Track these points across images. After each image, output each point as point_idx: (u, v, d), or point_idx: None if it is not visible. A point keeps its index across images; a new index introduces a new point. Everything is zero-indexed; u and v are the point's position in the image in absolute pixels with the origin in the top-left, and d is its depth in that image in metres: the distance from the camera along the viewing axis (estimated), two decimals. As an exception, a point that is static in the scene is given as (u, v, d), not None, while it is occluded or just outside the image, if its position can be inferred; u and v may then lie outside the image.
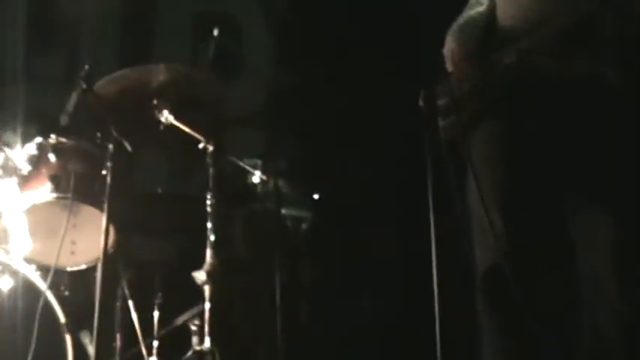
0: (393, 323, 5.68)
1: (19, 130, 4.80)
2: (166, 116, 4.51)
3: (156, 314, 4.94)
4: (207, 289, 4.32)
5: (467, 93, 3.84)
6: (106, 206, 4.14)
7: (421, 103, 2.87)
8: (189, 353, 4.47)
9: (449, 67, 3.84)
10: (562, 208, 3.88)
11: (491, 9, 4.12)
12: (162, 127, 4.52)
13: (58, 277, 4.59)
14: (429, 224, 3.16)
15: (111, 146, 4.18)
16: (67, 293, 4.73)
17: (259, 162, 5.38)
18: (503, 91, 3.82)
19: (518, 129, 3.82)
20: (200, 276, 4.32)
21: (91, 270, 4.77)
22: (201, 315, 4.51)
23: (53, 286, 4.35)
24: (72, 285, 4.80)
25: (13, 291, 4.28)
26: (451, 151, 3.36)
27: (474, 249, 3.84)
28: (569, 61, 3.80)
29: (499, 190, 3.80)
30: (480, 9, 4.16)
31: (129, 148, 4.19)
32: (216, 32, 4.98)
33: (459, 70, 3.88)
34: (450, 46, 3.96)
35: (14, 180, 4.52)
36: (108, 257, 4.24)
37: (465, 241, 3.67)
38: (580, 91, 3.78)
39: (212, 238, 4.39)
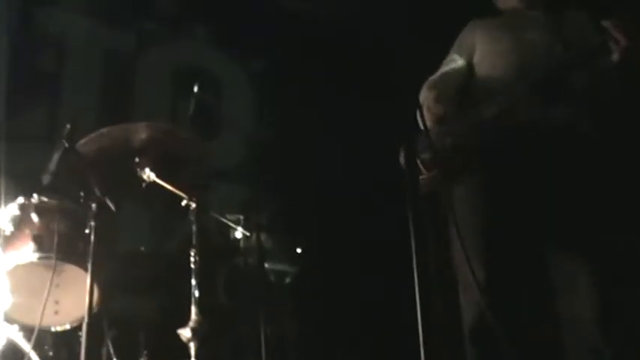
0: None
1: (1, 191, 4.79)
2: (148, 174, 4.52)
3: (141, 372, 4.92)
4: (192, 345, 4.30)
5: (449, 146, 3.90)
6: (89, 265, 4.13)
7: (401, 159, 2.90)
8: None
9: (427, 121, 3.89)
10: (542, 256, 3.94)
11: (467, 66, 4.21)
12: (144, 185, 4.53)
13: (42, 337, 4.56)
14: (413, 276, 3.18)
15: (94, 205, 4.19)
16: (51, 353, 4.71)
17: (241, 217, 5.39)
18: (484, 144, 3.89)
19: (498, 180, 3.88)
20: (186, 333, 4.29)
21: (75, 329, 4.75)
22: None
23: (37, 347, 4.32)
24: (56, 345, 4.78)
25: (-2, 352, 4.25)
26: (432, 203, 3.40)
27: (460, 301, 3.87)
28: (546, 112, 3.87)
29: (481, 241, 3.84)
30: (455, 66, 4.24)
31: (112, 207, 4.19)
32: (196, 88, 5.00)
33: (440, 125, 3.94)
34: (426, 101, 4.03)
35: (-3, 240, 4.52)
36: (92, 316, 4.21)
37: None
38: (557, 141, 3.85)
39: (196, 294, 4.38)
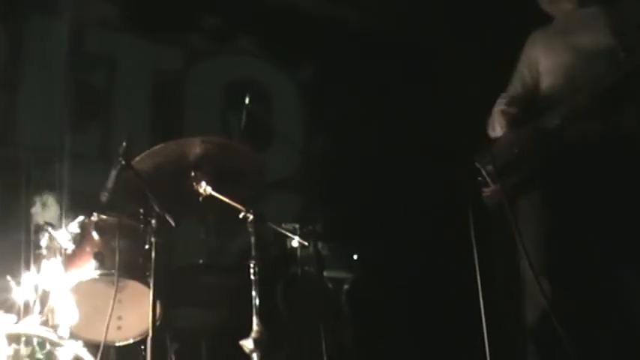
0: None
1: (62, 210, 4.86)
2: (205, 187, 4.56)
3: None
4: (255, 356, 4.32)
5: (515, 157, 3.90)
6: (151, 280, 4.18)
7: (477, 164, 2.91)
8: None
9: (500, 127, 3.92)
10: (608, 267, 3.91)
11: (535, 81, 4.21)
12: (201, 199, 4.57)
13: (106, 352, 4.62)
14: (471, 276, 3.19)
15: (154, 221, 4.24)
16: (115, 368, 4.78)
17: (297, 226, 5.41)
18: (549, 155, 3.88)
19: (563, 192, 3.86)
20: (248, 344, 4.32)
21: (137, 344, 4.81)
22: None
23: (102, 362, 4.38)
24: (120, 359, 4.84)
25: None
26: (498, 215, 3.40)
27: (525, 308, 3.87)
28: (612, 120, 3.85)
29: (545, 253, 3.83)
30: (525, 81, 4.25)
31: (172, 222, 4.24)
32: (247, 100, 5.04)
33: (513, 127, 3.95)
34: (499, 105, 4.04)
35: (59, 259, 4.59)
36: (155, 330, 4.26)
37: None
38: (624, 151, 3.82)
39: (257, 305, 4.40)
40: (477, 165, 3.84)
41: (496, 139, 4.09)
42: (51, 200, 4.99)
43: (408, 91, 5.75)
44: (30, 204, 4.98)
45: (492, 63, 4.51)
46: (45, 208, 4.92)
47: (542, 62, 4.25)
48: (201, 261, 5.58)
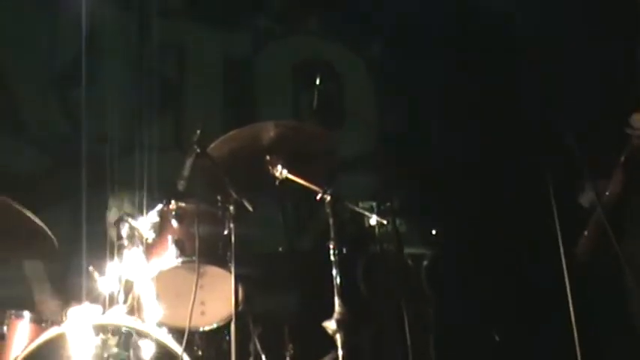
0: (522, 354, 5.60)
1: (140, 200, 4.92)
2: (280, 171, 4.57)
3: (288, 366, 4.98)
4: (338, 337, 4.32)
5: None
6: (232, 265, 4.21)
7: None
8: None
9: None
10: None
11: None
12: (277, 183, 4.58)
13: (191, 338, 4.66)
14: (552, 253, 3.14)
15: (232, 207, 4.27)
16: (200, 353, 4.82)
17: (374, 204, 5.39)
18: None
19: None
20: (331, 325, 4.32)
21: (221, 328, 4.85)
22: (333, 363, 4.53)
23: (187, 347, 4.42)
24: (204, 344, 4.88)
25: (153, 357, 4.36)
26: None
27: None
28: None
29: None
30: None
31: (250, 208, 4.26)
32: (317, 81, 5.02)
33: None
34: None
35: (140, 249, 4.65)
36: (238, 315, 4.29)
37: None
38: None
39: (338, 285, 4.39)
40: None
41: None
42: (129, 191, 5.06)
43: (487, 64, 5.66)
44: (109, 196, 5.06)
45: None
46: (124, 199, 4.99)
47: None
48: (280, 244, 5.59)
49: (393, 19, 6.36)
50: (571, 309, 3.00)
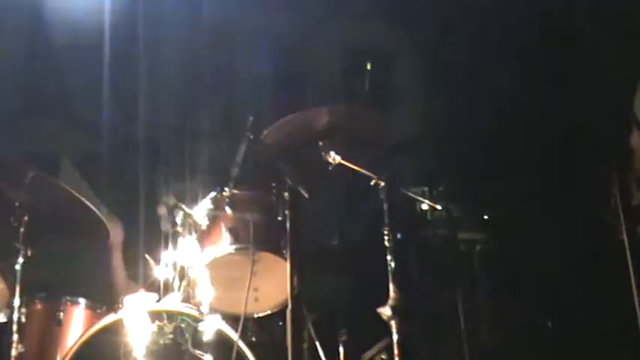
0: (577, 341, 5.55)
1: (194, 187, 4.93)
2: (334, 157, 4.55)
3: (341, 351, 4.98)
4: (393, 323, 4.30)
5: None
6: (288, 252, 4.21)
7: None
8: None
9: None
10: None
11: None
12: (330, 169, 4.57)
13: (246, 325, 4.67)
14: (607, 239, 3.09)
15: (287, 194, 4.26)
16: (254, 339, 4.83)
17: (426, 189, 5.37)
18: None
19: None
20: (386, 311, 4.30)
21: (275, 315, 4.86)
22: (387, 349, 4.52)
23: (241, 334, 4.43)
24: (258, 330, 4.90)
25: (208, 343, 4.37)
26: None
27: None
28: None
29: None
30: None
31: (305, 194, 4.25)
32: (369, 66, 5.01)
33: None
34: None
35: (194, 236, 4.66)
36: (293, 301, 4.29)
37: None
38: None
39: (392, 271, 4.37)
40: None
41: None
42: (183, 178, 5.08)
43: (543, 51, 5.59)
44: (163, 183, 5.08)
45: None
46: (178, 187, 5.00)
47: None
48: (334, 235, 5.60)
49: (444, 2, 6.31)
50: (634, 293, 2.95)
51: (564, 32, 5.80)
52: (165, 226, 4.76)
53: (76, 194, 4.29)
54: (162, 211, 4.80)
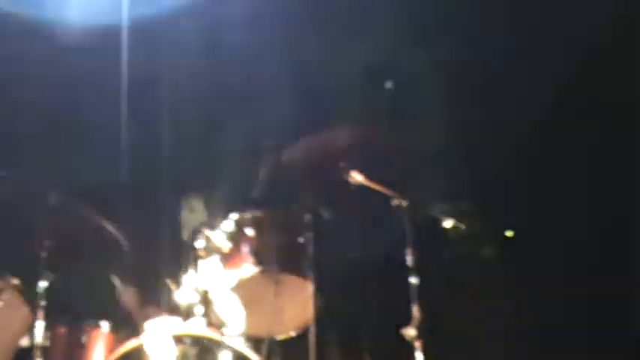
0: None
1: (215, 209, 4.93)
2: (355, 177, 4.54)
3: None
4: (417, 344, 4.28)
5: None
6: (311, 273, 4.19)
7: None
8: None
9: None
10: None
11: None
12: (352, 189, 4.55)
13: (269, 347, 4.66)
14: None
15: (308, 215, 4.25)
16: (278, 361, 4.82)
17: (448, 207, 5.34)
18: None
19: None
20: (410, 332, 4.28)
21: (299, 337, 4.84)
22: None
23: (266, 357, 4.42)
24: (282, 353, 4.88)
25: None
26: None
27: None
28: None
29: None
30: None
31: (327, 215, 4.24)
32: (389, 85, 4.99)
33: None
34: None
35: (216, 258, 4.65)
36: (317, 322, 4.28)
37: None
38: None
39: (416, 291, 4.35)
40: None
41: None
42: (202, 201, 5.08)
43: (566, 62, 5.55)
44: (183, 206, 5.08)
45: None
46: (197, 210, 5.00)
47: None
48: (356, 251, 5.57)
49: (465, 19, 6.29)
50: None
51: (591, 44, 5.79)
52: (188, 248, 4.76)
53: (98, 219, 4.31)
54: (185, 232, 4.83)
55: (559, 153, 6.01)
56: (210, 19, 6.11)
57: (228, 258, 4.68)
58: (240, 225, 4.71)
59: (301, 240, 4.51)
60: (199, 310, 4.55)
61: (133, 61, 5.78)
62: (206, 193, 5.26)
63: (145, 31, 5.88)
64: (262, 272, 4.61)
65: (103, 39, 5.83)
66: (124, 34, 5.81)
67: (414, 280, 4.37)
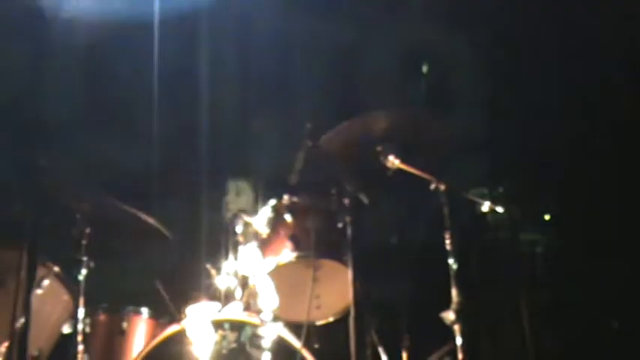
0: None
1: (255, 195, 4.94)
2: (392, 161, 4.52)
3: (404, 356, 4.96)
4: (457, 328, 4.26)
5: None
6: (350, 258, 4.18)
7: None
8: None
9: None
10: None
11: None
12: (389, 173, 4.54)
13: (308, 332, 4.66)
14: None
15: (347, 200, 4.24)
16: (317, 346, 4.82)
17: (486, 191, 5.31)
18: None
19: None
20: (449, 316, 4.26)
21: (337, 322, 4.84)
22: (450, 353, 4.48)
23: (305, 342, 4.42)
24: (321, 338, 4.89)
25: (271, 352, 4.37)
26: None
27: None
28: None
29: None
30: None
31: (365, 200, 4.22)
32: (425, 69, 4.97)
33: None
34: None
35: (255, 244, 4.66)
36: (356, 307, 4.27)
37: None
38: None
39: (455, 275, 4.33)
40: None
41: None
42: (243, 187, 5.09)
43: (601, 46, 5.50)
44: (224, 192, 5.09)
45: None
46: (238, 195, 5.01)
47: None
48: (395, 239, 5.57)
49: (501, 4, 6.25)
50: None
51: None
52: (227, 233, 4.78)
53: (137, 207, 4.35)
54: (225, 218, 4.84)
55: (599, 137, 5.96)
56: (244, 4, 6.12)
57: (266, 243, 4.70)
58: (278, 210, 4.73)
59: (339, 225, 4.50)
60: (238, 295, 4.59)
61: (169, 50, 5.82)
62: (246, 180, 5.27)
63: (179, 18, 5.91)
64: (300, 258, 4.61)
65: (138, 28, 5.87)
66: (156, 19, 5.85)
67: (452, 263, 4.35)
